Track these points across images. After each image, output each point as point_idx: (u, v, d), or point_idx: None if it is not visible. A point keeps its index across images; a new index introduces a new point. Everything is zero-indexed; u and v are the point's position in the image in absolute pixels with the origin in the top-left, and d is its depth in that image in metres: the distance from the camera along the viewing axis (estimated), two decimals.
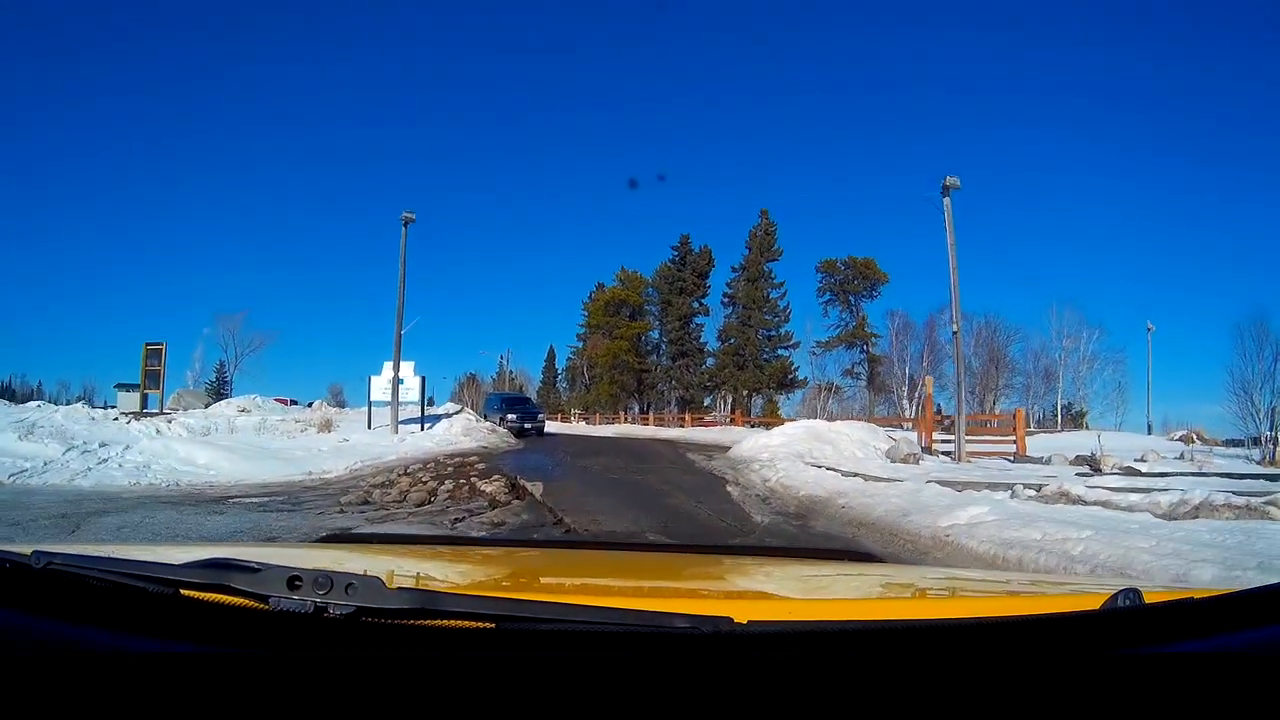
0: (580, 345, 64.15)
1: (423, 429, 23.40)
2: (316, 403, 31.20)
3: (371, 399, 25.21)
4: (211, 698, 0.77)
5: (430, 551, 2.28)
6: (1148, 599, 0.95)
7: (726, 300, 54.54)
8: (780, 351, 52.67)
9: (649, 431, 36.02)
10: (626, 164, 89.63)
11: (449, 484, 12.26)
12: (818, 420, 18.43)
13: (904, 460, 14.73)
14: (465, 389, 67.83)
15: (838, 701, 0.76)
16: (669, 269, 57.08)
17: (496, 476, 12.85)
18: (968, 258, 77.55)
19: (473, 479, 12.78)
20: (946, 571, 3.66)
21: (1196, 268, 72.05)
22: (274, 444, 17.70)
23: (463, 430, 22.08)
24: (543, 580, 1.71)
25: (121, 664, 0.81)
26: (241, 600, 0.91)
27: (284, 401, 35.73)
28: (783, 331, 52.71)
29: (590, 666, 0.80)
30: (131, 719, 0.76)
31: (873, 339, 52.27)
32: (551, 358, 76.48)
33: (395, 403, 23.96)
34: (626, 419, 49.08)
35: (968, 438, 20.58)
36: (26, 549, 1.01)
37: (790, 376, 51.99)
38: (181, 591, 0.93)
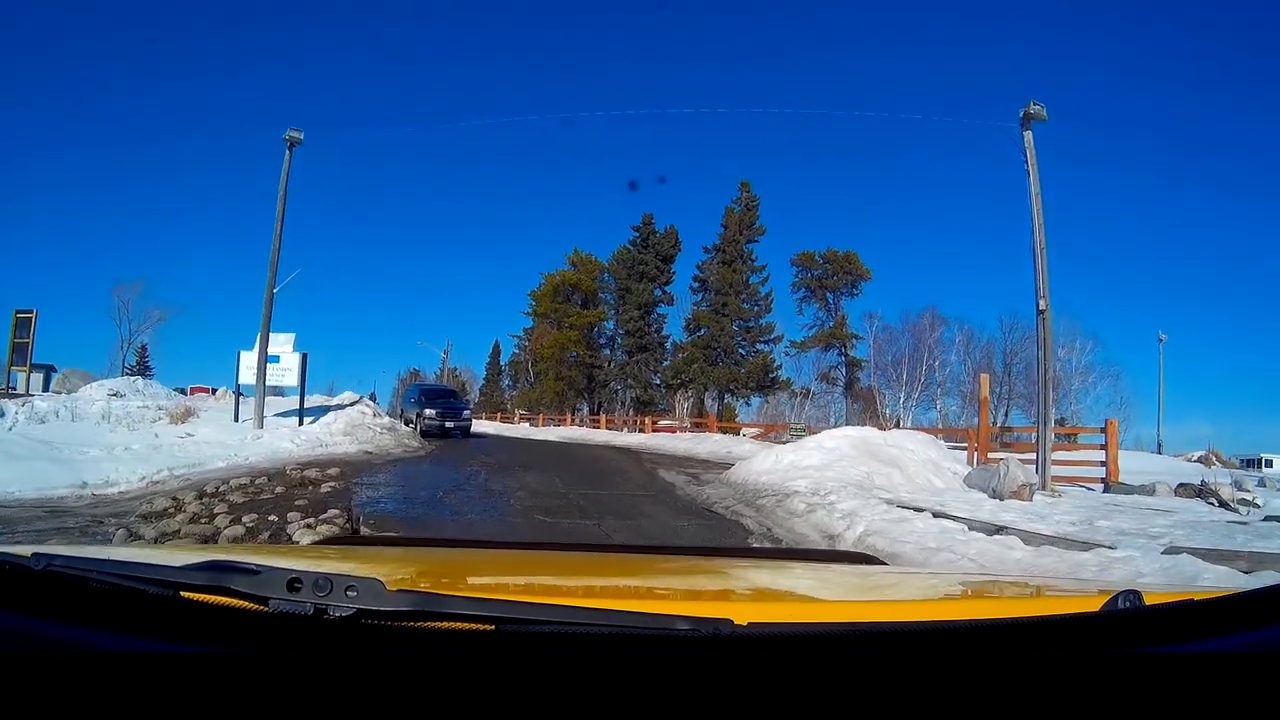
0: (525, 338, 58.36)
1: (301, 423, 18.57)
2: (221, 390, 27.30)
3: (240, 382, 20.00)
4: (212, 699, 0.78)
5: (430, 553, 2.36)
6: (1148, 600, 0.96)
7: (697, 286, 48.67)
8: (760, 346, 46.71)
9: (602, 436, 31.03)
10: (583, 142, 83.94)
11: (246, 523, 7.49)
12: (867, 428, 12.94)
13: (1015, 494, 9.45)
14: (407, 386, 61.93)
15: (838, 703, 0.76)
16: (628, 252, 51.18)
17: (334, 513, 7.94)
18: (952, 260, 73.91)
19: (290, 516, 7.77)
20: (947, 573, 3.78)
21: (1191, 282, 68.89)
22: (90, 437, 14.49)
23: (345, 428, 16.96)
24: (542, 582, 1.74)
25: (122, 665, 0.82)
26: (242, 602, 0.91)
27: (204, 390, 32.43)
28: (763, 323, 46.83)
29: (590, 668, 0.81)
30: None
31: (853, 340, 47.30)
32: (496, 353, 71.63)
33: (261, 387, 18.69)
34: (575, 421, 43.47)
35: (1025, 456, 15.68)
36: (26, 550, 1.03)
37: (772, 375, 46.14)
38: (182, 593, 0.94)
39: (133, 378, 29.35)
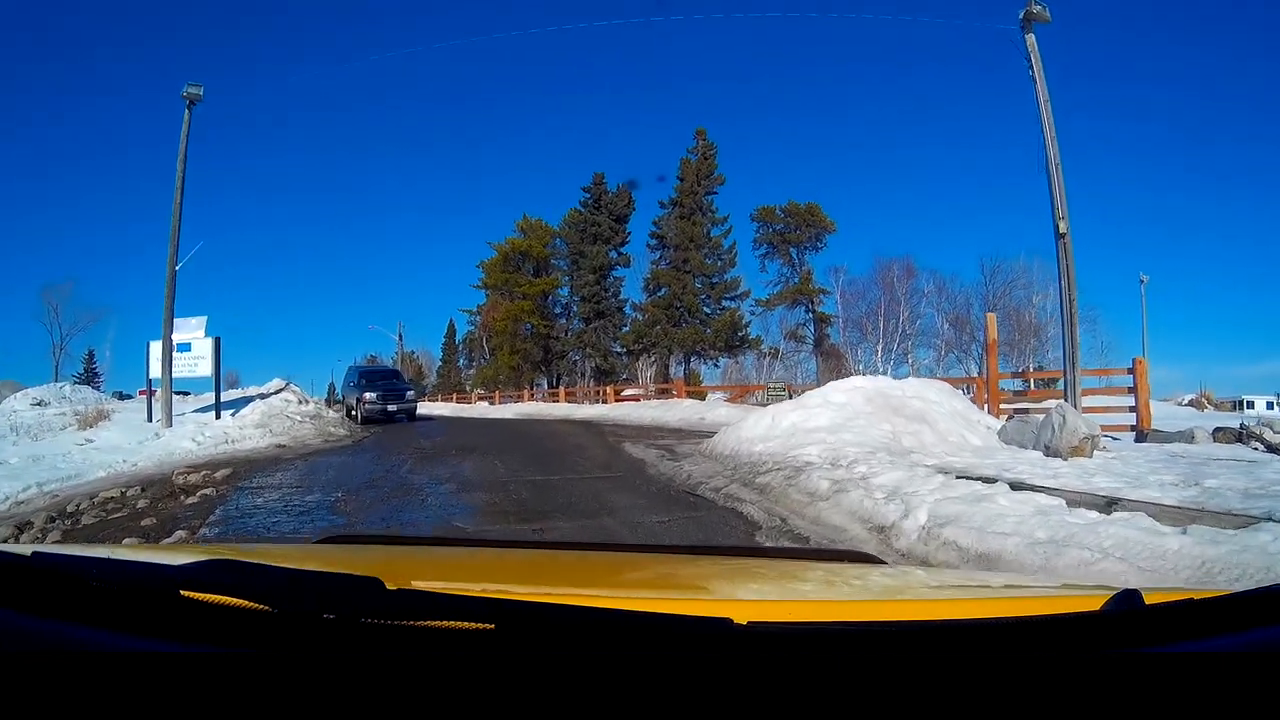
0: (479, 313, 55.70)
1: (218, 416, 16.94)
2: (158, 390, 25.20)
3: (151, 376, 18.01)
4: (211, 698, 0.78)
5: (430, 551, 2.39)
6: (1148, 599, 0.96)
7: (655, 243, 46.17)
8: (726, 302, 44.60)
9: (561, 410, 29.38)
10: (526, 102, 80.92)
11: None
12: (881, 378, 11.08)
13: (1076, 449, 7.76)
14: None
15: (838, 702, 0.76)
16: (580, 215, 48.74)
17: (181, 534, 6.30)
18: (921, 208, 72.37)
19: (127, 541, 6.23)
20: (947, 572, 3.76)
21: (1163, 223, 67.96)
22: None
23: (260, 420, 15.23)
24: (542, 581, 1.74)
25: (121, 664, 0.83)
26: (241, 601, 0.91)
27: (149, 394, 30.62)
28: (728, 278, 44.58)
29: (590, 667, 0.81)
30: None
31: (820, 295, 45.50)
32: (451, 332, 69.84)
33: (167, 380, 16.74)
34: (534, 396, 41.18)
35: (1033, 404, 14.15)
36: (26, 549, 1.10)
37: (741, 333, 44.09)
38: (181, 592, 0.94)
39: (61, 384, 27.56)
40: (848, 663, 0.80)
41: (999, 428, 9.59)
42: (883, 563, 2.38)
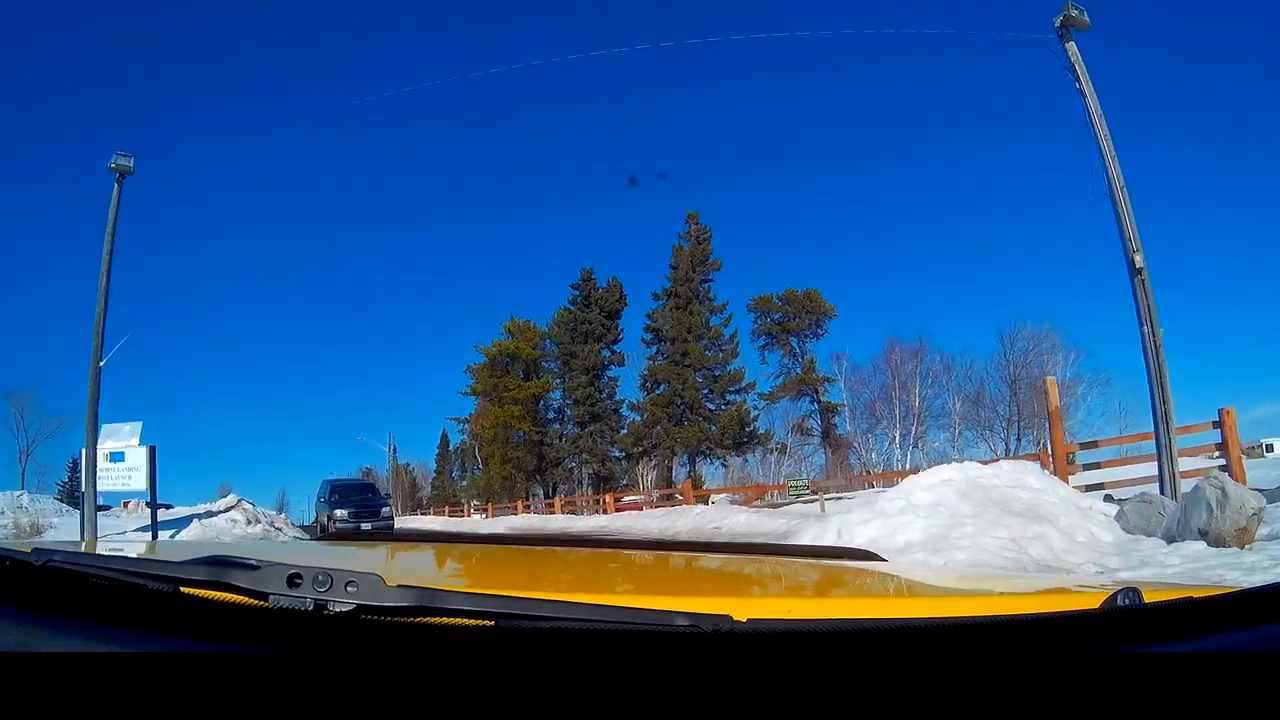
0: (470, 421, 54.45)
1: (154, 537, 15.02)
2: (133, 503, 25.77)
3: (83, 490, 16.49)
4: (212, 696, 0.79)
5: (430, 549, 2.46)
6: (1148, 598, 0.97)
7: (650, 338, 44.92)
8: (730, 396, 42.74)
9: (557, 523, 27.82)
10: (515, 199, 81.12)
11: None
12: (969, 464, 8.79)
13: (1242, 533, 5.80)
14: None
15: (838, 700, 0.77)
16: (569, 313, 47.67)
17: None
18: (924, 286, 71.03)
19: None
20: (947, 571, 3.85)
21: (1161, 259, 66.34)
22: None
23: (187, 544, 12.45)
24: (543, 578, 1.74)
25: (122, 663, 0.84)
26: (241, 598, 0.92)
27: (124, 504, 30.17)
28: (731, 369, 42.87)
29: (590, 664, 0.82)
30: (131, 718, 0.78)
31: (824, 384, 44.09)
32: (445, 443, 68.94)
33: (91, 492, 15.24)
34: (529, 507, 38.97)
35: (1112, 471, 12.24)
36: (26, 546, 1.09)
37: (750, 429, 42.12)
38: (181, 589, 0.95)
39: (19, 494, 27.73)
40: (849, 661, 0.81)
41: (1114, 512, 7.54)
42: (884, 560, 2.29)
